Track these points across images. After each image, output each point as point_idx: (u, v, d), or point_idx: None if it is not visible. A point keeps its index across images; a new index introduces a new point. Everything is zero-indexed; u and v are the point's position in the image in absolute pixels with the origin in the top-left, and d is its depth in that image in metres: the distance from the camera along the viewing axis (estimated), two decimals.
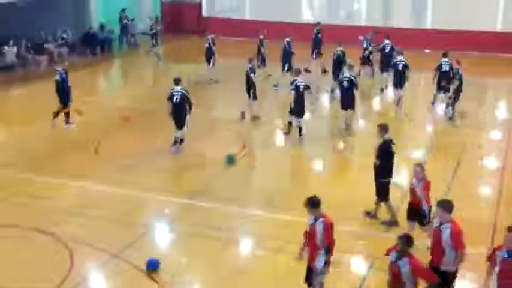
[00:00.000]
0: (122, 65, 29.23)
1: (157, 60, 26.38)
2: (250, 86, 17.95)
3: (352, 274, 10.05)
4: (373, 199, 11.53)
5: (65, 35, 27.05)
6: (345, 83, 16.58)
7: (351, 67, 17.29)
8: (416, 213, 10.05)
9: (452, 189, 12.70)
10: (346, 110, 16.78)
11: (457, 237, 7.77)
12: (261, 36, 23.24)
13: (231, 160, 14.54)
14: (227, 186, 13.38)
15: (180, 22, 33.49)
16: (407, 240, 7.53)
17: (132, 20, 30.69)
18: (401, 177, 12.88)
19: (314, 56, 23.83)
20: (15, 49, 24.15)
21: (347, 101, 16.66)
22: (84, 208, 12.16)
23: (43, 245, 10.70)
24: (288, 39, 22.22)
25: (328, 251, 8.14)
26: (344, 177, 14.21)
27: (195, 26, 32.73)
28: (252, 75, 17.90)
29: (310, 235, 8.18)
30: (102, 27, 29.18)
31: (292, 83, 16.17)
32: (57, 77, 17.14)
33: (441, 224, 7.93)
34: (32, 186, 13.18)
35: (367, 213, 11.59)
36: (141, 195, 12.64)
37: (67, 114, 17.30)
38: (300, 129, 16.03)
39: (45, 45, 26.00)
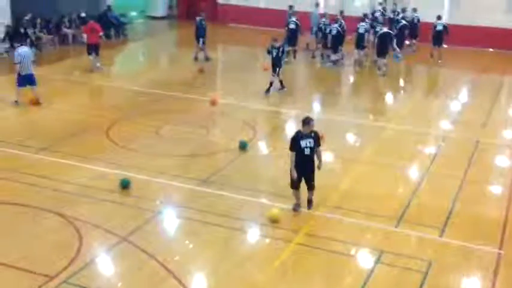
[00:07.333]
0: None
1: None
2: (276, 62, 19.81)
3: (358, 267, 10.06)
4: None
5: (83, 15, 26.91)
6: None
7: None
8: None
9: None
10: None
11: None
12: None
13: (244, 146, 14.68)
14: (238, 173, 13.38)
15: (195, 8, 33.31)
16: None
17: None
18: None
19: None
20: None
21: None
22: (94, 190, 12.24)
23: (53, 226, 10.77)
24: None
25: None
26: (353, 169, 14.10)
27: (210, 13, 32.59)
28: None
29: None
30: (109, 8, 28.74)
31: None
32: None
33: None
34: (44, 166, 13.29)
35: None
36: (151, 180, 12.69)
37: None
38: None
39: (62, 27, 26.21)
